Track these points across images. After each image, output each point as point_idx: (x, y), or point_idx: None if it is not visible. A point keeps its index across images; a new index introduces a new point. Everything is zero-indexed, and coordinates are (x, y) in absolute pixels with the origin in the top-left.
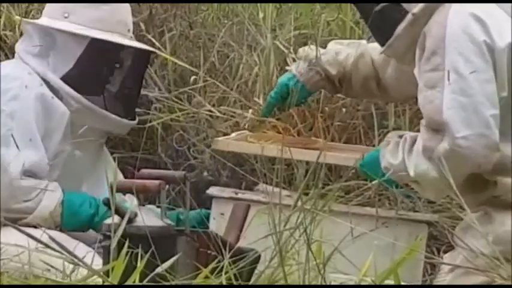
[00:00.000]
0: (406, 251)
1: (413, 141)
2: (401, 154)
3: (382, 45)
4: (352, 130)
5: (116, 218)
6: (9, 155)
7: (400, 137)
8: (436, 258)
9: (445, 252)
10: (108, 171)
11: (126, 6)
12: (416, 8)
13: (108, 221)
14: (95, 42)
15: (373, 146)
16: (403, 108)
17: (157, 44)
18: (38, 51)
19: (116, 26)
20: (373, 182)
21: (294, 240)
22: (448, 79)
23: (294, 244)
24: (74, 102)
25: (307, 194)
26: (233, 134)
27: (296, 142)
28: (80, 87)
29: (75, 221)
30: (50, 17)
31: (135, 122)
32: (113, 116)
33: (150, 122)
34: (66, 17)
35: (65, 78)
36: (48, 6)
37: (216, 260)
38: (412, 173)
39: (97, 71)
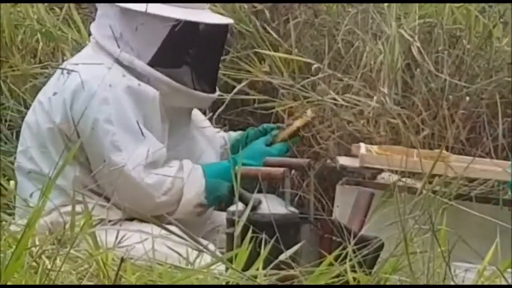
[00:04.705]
0: None
1: None
2: None
3: None
4: (476, 118)
5: (240, 205)
6: (125, 159)
7: None
8: None
9: None
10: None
11: None
12: None
13: (233, 208)
14: (180, 22)
15: (497, 135)
16: None
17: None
18: (120, 36)
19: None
20: None
21: (418, 228)
22: None
23: (418, 232)
24: (165, 87)
25: (431, 183)
26: (362, 150)
27: (425, 155)
28: (166, 69)
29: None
30: None
31: (216, 94)
32: (198, 92)
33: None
34: None
35: (151, 63)
36: None
37: (339, 248)
38: None
39: (182, 51)
